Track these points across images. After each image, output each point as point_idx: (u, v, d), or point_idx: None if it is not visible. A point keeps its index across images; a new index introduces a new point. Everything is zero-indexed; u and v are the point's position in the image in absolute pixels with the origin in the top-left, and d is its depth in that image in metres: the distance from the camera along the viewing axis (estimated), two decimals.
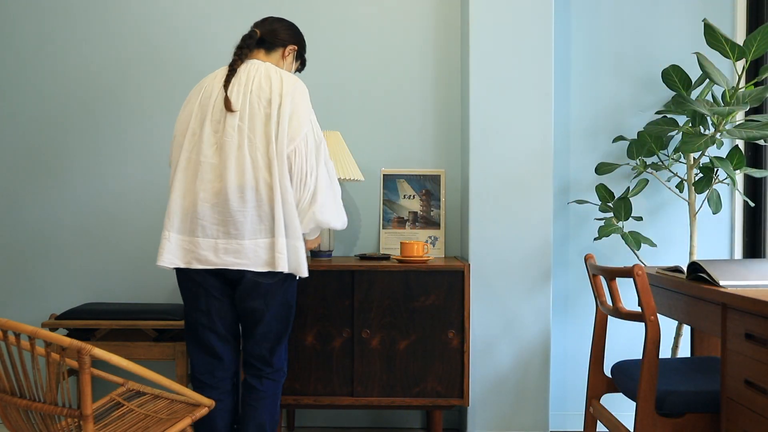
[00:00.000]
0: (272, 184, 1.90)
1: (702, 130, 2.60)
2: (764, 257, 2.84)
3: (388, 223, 2.90)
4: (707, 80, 2.61)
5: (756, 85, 2.62)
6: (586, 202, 2.81)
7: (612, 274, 2.06)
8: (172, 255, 1.95)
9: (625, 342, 2.87)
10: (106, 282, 2.95)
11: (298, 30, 2.22)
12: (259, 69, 2.00)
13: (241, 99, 1.94)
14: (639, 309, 1.93)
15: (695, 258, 2.59)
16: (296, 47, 2.18)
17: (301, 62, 2.27)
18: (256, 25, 2.16)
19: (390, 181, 2.91)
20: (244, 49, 2.05)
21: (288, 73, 2.05)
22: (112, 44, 2.96)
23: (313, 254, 2.75)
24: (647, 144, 2.67)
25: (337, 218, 2.04)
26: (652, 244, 2.70)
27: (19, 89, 2.97)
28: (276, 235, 1.91)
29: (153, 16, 2.95)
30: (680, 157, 2.69)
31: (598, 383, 2.30)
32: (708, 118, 2.57)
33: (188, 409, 1.92)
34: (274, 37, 2.13)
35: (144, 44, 2.95)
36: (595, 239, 2.74)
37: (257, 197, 1.91)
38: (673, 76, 2.62)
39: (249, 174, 1.90)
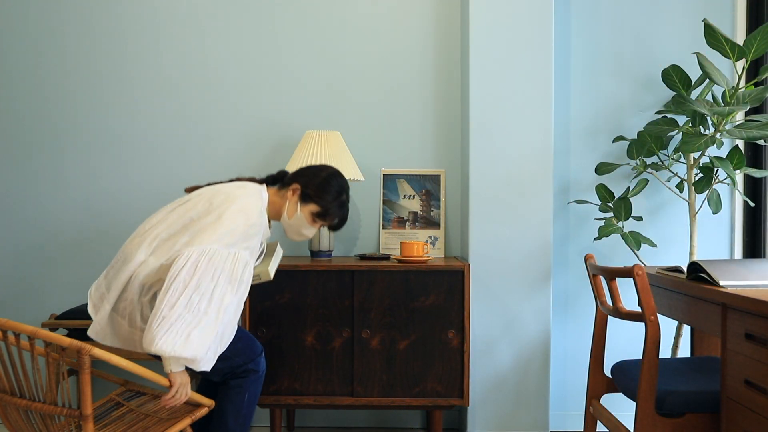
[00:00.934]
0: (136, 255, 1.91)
1: (702, 130, 2.60)
2: (764, 257, 2.84)
3: (388, 223, 2.90)
4: (707, 80, 2.61)
5: (756, 85, 2.62)
6: (586, 202, 2.81)
7: (612, 274, 2.06)
8: None
9: (625, 342, 2.87)
10: None
11: (318, 173, 2.09)
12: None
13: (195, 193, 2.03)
14: (639, 309, 1.93)
15: (695, 258, 2.59)
16: (299, 186, 2.07)
17: (321, 210, 2.06)
18: None
19: (390, 181, 2.91)
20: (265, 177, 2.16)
21: (242, 200, 1.93)
22: (112, 43, 2.96)
23: (313, 254, 2.75)
24: (647, 144, 2.67)
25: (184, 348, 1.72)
26: (652, 244, 2.70)
27: (19, 89, 2.97)
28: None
29: (153, 16, 2.95)
30: (680, 157, 2.69)
31: (598, 383, 2.30)
32: (708, 118, 2.57)
33: (188, 409, 1.92)
34: (288, 175, 2.14)
35: (144, 43, 2.95)
36: (595, 239, 2.74)
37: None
38: (673, 76, 2.62)
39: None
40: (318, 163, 2.16)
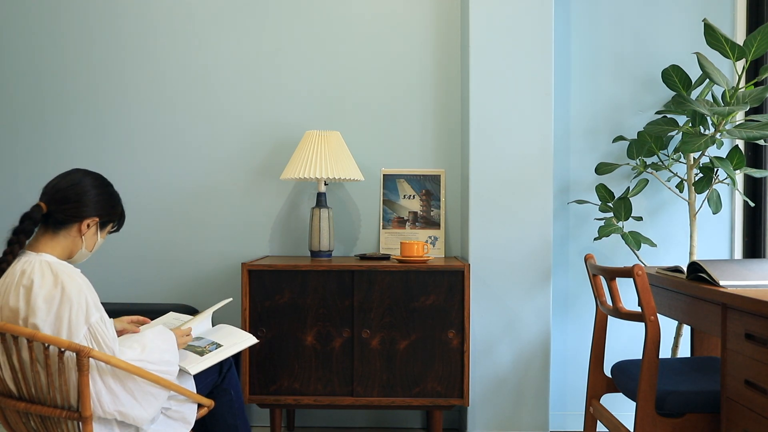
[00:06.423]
0: None
1: (702, 130, 2.60)
2: (764, 257, 2.84)
3: (388, 223, 2.90)
4: (707, 80, 2.61)
5: (756, 85, 2.62)
6: (586, 202, 2.80)
7: (612, 274, 2.06)
8: None
9: (625, 342, 2.87)
10: (106, 282, 2.94)
11: (102, 196, 1.81)
12: None
13: None
14: (639, 309, 1.93)
15: (695, 258, 2.59)
16: (97, 219, 1.80)
17: (118, 223, 1.91)
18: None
19: (390, 181, 2.91)
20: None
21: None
22: (111, 45, 2.96)
23: (313, 254, 2.75)
24: (647, 144, 2.67)
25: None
26: (652, 244, 2.70)
27: (18, 87, 2.97)
28: None
29: (153, 17, 2.95)
30: (680, 157, 2.69)
31: (598, 383, 2.30)
32: (708, 118, 2.57)
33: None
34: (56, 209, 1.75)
35: (144, 45, 2.95)
36: (595, 239, 2.74)
37: None
38: (673, 76, 2.62)
39: None
40: (68, 176, 1.80)
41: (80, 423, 1.63)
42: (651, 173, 2.75)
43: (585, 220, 2.93)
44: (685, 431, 1.88)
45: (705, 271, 1.88)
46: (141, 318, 2.09)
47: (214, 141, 2.95)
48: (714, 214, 2.64)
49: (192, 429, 1.89)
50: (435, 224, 2.89)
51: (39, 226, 1.76)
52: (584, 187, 2.92)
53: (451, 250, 2.94)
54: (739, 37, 2.86)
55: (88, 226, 1.77)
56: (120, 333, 2.01)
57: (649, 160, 2.76)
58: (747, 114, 2.83)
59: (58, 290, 1.62)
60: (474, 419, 2.69)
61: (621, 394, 2.40)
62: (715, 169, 2.57)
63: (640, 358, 2.25)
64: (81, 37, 2.96)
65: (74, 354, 1.57)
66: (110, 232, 1.89)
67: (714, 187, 2.60)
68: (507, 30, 2.66)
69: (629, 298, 2.64)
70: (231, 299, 2.27)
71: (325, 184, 2.78)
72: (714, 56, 2.57)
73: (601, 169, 2.73)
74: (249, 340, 2.09)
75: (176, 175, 2.95)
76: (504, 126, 2.67)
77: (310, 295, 2.51)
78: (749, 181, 2.89)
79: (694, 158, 2.63)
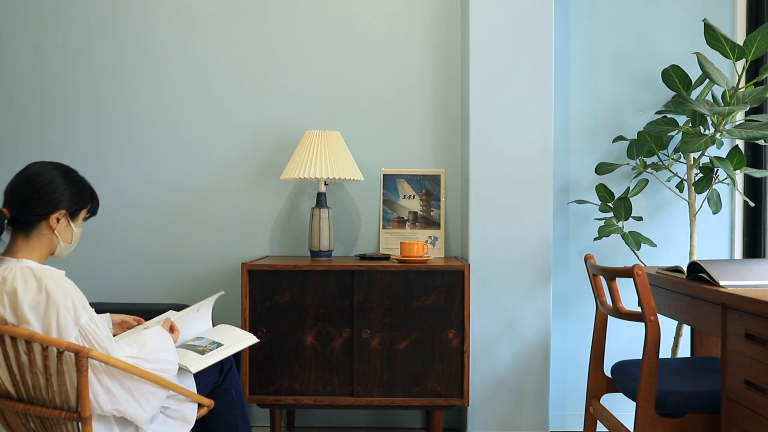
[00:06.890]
0: None
1: (702, 130, 2.60)
2: (764, 257, 2.84)
3: (388, 223, 2.90)
4: (707, 80, 2.61)
5: (756, 85, 2.62)
6: (586, 202, 2.80)
7: (612, 274, 2.06)
8: None
9: (625, 342, 2.87)
10: (106, 282, 2.94)
11: (66, 184, 1.74)
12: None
13: None
14: (639, 309, 1.93)
15: (695, 258, 2.59)
16: (65, 211, 1.73)
17: (91, 207, 1.85)
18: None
19: (390, 181, 2.91)
20: None
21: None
22: (110, 45, 2.96)
23: (313, 254, 2.75)
24: (647, 144, 2.67)
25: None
26: (652, 244, 2.70)
27: (18, 87, 2.97)
28: None
29: (153, 17, 2.95)
30: (680, 157, 2.69)
31: (598, 383, 2.30)
32: (708, 118, 2.57)
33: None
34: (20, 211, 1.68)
35: (144, 44, 2.95)
36: (595, 239, 2.74)
37: None
38: (673, 76, 2.62)
39: None
40: (24, 172, 1.72)
41: (80, 423, 1.63)
42: (651, 173, 2.75)
43: (585, 220, 2.92)
44: (685, 431, 1.88)
45: (705, 271, 1.88)
46: (137, 318, 2.09)
47: (214, 141, 2.95)
48: (714, 214, 2.64)
49: (192, 429, 1.89)
50: (435, 224, 2.89)
51: (10, 231, 1.70)
52: (584, 187, 2.92)
53: (451, 250, 2.94)
54: (739, 37, 2.86)
55: (57, 220, 1.71)
56: (120, 324, 2.03)
57: (649, 160, 2.76)
58: (747, 114, 2.83)
59: (43, 296, 1.59)
60: (474, 419, 2.69)
61: (621, 394, 2.40)
62: (715, 169, 2.57)
63: (640, 358, 2.25)
64: (81, 37, 2.96)
65: (73, 354, 1.57)
66: (86, 219, 1.83)
67: (714, 187, 2.60)
68: (507, 30, 2.66)
69: (629, 298, 2.64)
70: (223, 292, 2.27)
71: (325, 184, 2.78)
72: (714, 56, 2.57)
73: (601, 169, 2.73)
74: (249, 339, 2.09)
75: (176, 175, 2.95)
76: (504, 126, 2.67)
77: (310, 295, 2.51)
78: (749, 181, 2.89)
79: (694, 158, 2.63)
